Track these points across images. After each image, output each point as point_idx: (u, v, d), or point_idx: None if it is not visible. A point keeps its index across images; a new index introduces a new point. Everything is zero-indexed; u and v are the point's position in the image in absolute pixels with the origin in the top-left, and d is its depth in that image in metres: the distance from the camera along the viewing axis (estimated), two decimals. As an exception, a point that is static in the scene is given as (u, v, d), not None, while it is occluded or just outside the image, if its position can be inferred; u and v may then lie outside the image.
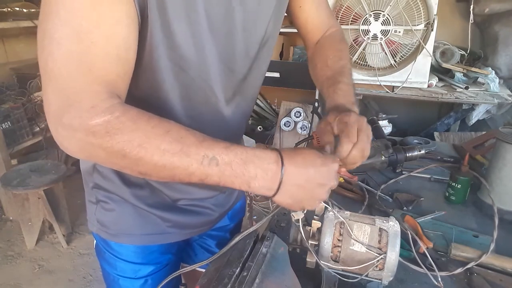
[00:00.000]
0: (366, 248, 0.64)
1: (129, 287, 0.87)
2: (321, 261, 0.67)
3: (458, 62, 2.44)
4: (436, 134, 2.43)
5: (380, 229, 0.66)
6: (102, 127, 0.50)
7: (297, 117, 2.88)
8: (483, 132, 1.71)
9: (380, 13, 2.14)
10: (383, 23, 2.16)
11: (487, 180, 0.99)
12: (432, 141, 1.43)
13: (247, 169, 0.54)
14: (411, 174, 1.17)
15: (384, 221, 0.67)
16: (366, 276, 0.65)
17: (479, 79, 2.33)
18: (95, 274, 2.17)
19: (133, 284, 0.87)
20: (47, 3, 0.50)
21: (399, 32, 2.16)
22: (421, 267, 0.73)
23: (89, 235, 2.49)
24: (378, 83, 2.30)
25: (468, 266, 0.76)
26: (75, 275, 2.18)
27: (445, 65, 2.40)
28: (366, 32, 2.20)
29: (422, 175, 1.18)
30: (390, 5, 2.11)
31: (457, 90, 2.30)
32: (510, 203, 0.95)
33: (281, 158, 0.56)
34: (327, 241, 0.66)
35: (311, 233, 0.69)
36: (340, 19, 2.24)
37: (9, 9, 2.65)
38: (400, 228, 0.66)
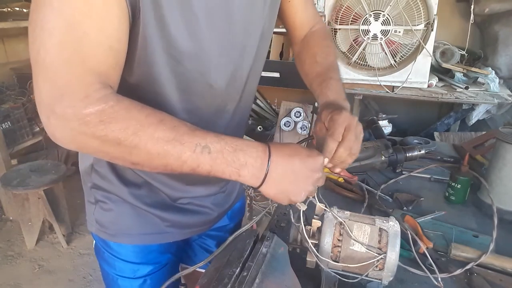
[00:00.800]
0: (366, 248, 0.64)
1: (128, 287, 0.87)
2: (322, 257, 0.67)
3: (458, 62, 2.44)
4: (436, 134, 2.43)
5: (380, 229, 0.66)
6: (96, 116, 0.50)
7: (297, 117, 2.88)
8: (483, 132, 1.71)
9: (380, 13, 2.14)
10: (383, 23, 2.16)
11: (487, 180, 0.99)
12: (432, 141, 1.43)
13: (237, 157, 0.55)
14: (411, 174, 1.17)
15: (384, 221, 0.67)
16: (366, 276, 0.65)
17: (479, 79, 2.33)
18: (95, 274, 2.17)
19: (132, 284, 0.87)
20: None
21: (399, 32, 2.16)
22: (421, 268, 0.73)
23: (89, 235, 2.48)
24: (378, 83, 2.30)
25: (468, 266, 0.75)
26: (75, 275, 2.18)
27: (445, 65, 2.40)
28: (366, 32, 2.20)
29: (422, 175, 1.18)
30: (390, 5, 2.11)
31: (457, 90, 2.30)
32: (510, 203, 0.95)
33: (269, 148, 0.58)
34: (327, 241, 0.66)
35: (311, 233, 0.69)
36: (340, 19, 2.24)
37: (9, 9, 2.66)
38: (400, 228, 0.66)
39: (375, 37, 2.20)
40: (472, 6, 2.38)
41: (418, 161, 1.20)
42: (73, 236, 2.51)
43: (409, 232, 0.79)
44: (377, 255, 0.64)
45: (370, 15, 2.16)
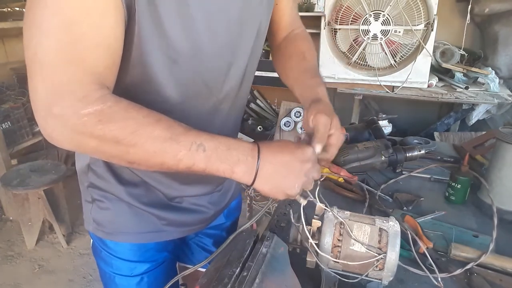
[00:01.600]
0: (366, 248, 0.64)
1: (125, 285, 0.87)
2: (324, 253, 0.67)
3: (458, 62, 2.44)
4: (436, 134, 2.43)
5: (380, 229, 0.66)
6: (95, 116, 0.51)
7: (297, 117, 2.88)
8: (483, 132, 1.71)
9: (380, 13, 2.14)
10: (383, 23, 2.16)
11: (487, 180, 0.99)
12: (432, 141, 1.43)
13: (230, 155, 0.57)
14: (411, 174, 1.17)
15: (384, 221, 0.67)
16: (366, 276, 0.65)
17: (479, 79, 2.33)
18: (95, 274, 2.17)
19: (129, 282, 0.87)
20: None
21: (399, 32, 2.16)
22: (421, 268, 0.73)
23: (89, 235, 2.49)
24: (378, 83, 2.30)
25: (468, 266, 0.75)
26: (75, 275, 2.18)
27: (445, 65, 2.40)
28: (366, 32, 2.20)
29: (422, 175, 1.18)
30: (390, 5, 2.11)
31: (457, 90, 2.30)
32: (510, 203, 0.95)
33: (258, 146, 0.60)
34: (327, 241, 0.66)
35: (311, 233, 0.69)
36: (340, 19, 2.24)
37: (9, 9, 2.66)
38: (400, 228, 0.66)
39: (375, 37, 2.20)
40: (470, 6, 2.38)
41: (418, 161, 1.20)
42: (73, 236, 2.51)
43: (409, 232, 0.79)
44: (377, 255, 0.64)
45: (370, 15, 2.16)
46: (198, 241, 1.02)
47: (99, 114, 0.51)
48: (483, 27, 2.50)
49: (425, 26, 2.13)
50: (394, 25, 2.15)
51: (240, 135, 2.83)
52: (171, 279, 0.76)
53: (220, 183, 0.91)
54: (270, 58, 2.83)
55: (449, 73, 2.45)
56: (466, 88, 2.28)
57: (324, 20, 2.28)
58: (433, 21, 2.09)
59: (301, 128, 2.88)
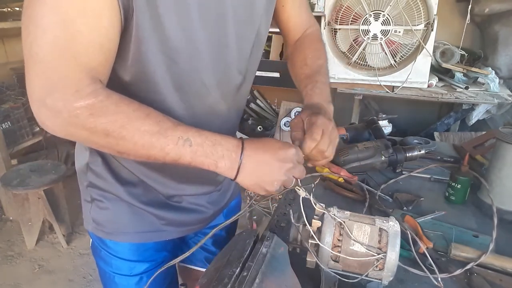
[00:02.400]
0: (366, 248, 0.64)
1: (125, 284, 0.87)
2: (324, 253, 0.67)
3: (458, 62, 2.44)
4: (436, 134, 2.43)
5: (380, 229, 0.66)
6: (86, 110, 0.53)
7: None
8: (483, 132, 1.71)
9: (380, 13, 2.14)
10: (383, 23, 2.16)
11: (487, 180, 0.99)
12: (432, 141, 1.43)
13: (215, 150, 0.60)
14: (411, 174, 1.17)
15: (384, 221, 0.67)
16: (366, 276, 0.65)
17: (479, 79, 2.33)
18: (95, 274, 2.17)
19: (128, 282, 0.87)
20: None
21: (399, 32, 2.16)
22: (421, 268, 0.73)
23: (89, 235, 2.49)
24: (378, 83, 2.30)
25: (468, 266, 0.75)
26: (75, 275, 2.18)
27: (445, 65, 2.40)
28: (366, 32, 2.20)
29: (422, 175, 1.18)
30: (390, 5, 2.11)
31: (457, 90, 2.30)
32: (510, 203, 0.95)
33: (242, 142, 0.63)
34: (327, 241, 0.66)
35: (311, 233, 0.69)
36: (340, 19, 2.24)
37: (9, 9, 2.66)
38: (400, 228, 0.66)
39: (375, 37, 2.20)
40: (470, 6, 2.38)
41: (418, 161, 1.20)
42: (73, 236, 2.51)
43: (409, 232, 0.79)
44: (377, 255, 0.64)
45: (370, 15, 2.16)
46: (197, 241, 1.01)
47: (90, 108, 0.53)
48: (483, 27, 2.50)
49: (425, 26, 2.13)
50: (394, 25, 2.15)
51: (239, 134, 2.83)
52: (171, 279, 0.77)
53: (219, 182, 0.91)
54: (270, 58, 2.85)
55: (449, 73, 2.45)
56: (466, 88, 2.28)
57: (324, 20, 2.28)
58: (433, 21, 2.09)
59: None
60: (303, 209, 0.68)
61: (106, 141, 0.56)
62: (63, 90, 0.53)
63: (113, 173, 0.78)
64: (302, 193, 0.68)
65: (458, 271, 0.74)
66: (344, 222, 0.66)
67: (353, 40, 2.26)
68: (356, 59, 2.30)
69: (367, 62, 2.29)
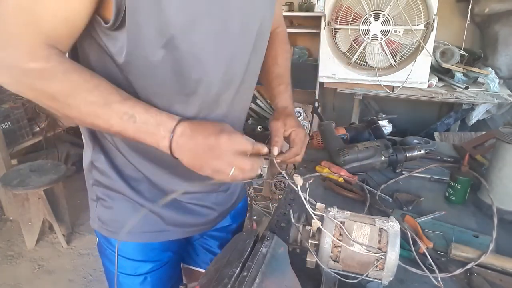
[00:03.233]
0: (366, 248, 0.64)
1: (129, 284, 0.87)
2: (324, 253, 0.67)
3: (458, 62, 2.45)
4: (436, 134, 2.43)
5: (380, 229, 0.66)
6: (36, 72, 0.55)
7: (297, 117, 2.87)
8: (483, 132, 1.71)
9: (380, 13, 2.14)
10: (383, 23, 2.16)
11: (487, 180, 0.99)
12: (432, 141, 1.43)
13: (158, 130, 0.61)
14: (411, 174, 1.17)
15: (384, 221, 0.67)
16: (366, 276, 0.65)
17: (479, 79, 2.34)
18: (95, 274, 2.17)
19: (132, 281, 0.87)
20: None
21: (399, 32, 2.16)
22: (421, 268, 0.73)
23: (89, 235, 2.49)
24: (378, 83, 2.30)
25: (468, 266, 0.75)
26: (75, 275, 2.18)
27: (445, 65, 2.40)
28: (366, 32, 2.20)
29: (422, 175, 1.18)
30: (390, 5, 2.11)
31: (457, 90, 2.30)
32: (510, 203, 0.95)
33: (184, 123, 0.62)
34: (327, 241, 0.66)
35: (311, 233, 0.69)
36: (340, 19, 2.24)
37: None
38: (400, 228, 0.66)
39: (375, 37, 2.20)
40: (470, 6, 2.38)
41: (418, 161, 1.20)
42: (73, 236, 2.51)
43: (409, 232, 0.79)
44: (377, 255, 0.64)
45: (370, 15, 2.16)
46: (203, 242, 1.01)
47: (40, 71, 0.55)
48: (483, 27, 2.50)
49: (425, 26, 2.13)
50: (394, 25, 2.16)
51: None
52: (175, 279, 0.76)
53: (226, 183, 0.90)
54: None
55: (449, 73, 2.45)
56: (466, 88, 2.28)
57: (324, 20, 2.29)
58: (433, 21, 2.09)
59: None
60: (306, 198, 0.66)
61: (54, 104, 0.58)
62: (17, 47, 0.54)
63: (117, 170, 0.78)
64: (299, 181, 0.67)
65: (458, 271, 0.74)
66: (343, 222, 0.66)
67: (353, 40, 2.26)
68: (356, 59, 2.31)
69: (367, 62, 2.29)
